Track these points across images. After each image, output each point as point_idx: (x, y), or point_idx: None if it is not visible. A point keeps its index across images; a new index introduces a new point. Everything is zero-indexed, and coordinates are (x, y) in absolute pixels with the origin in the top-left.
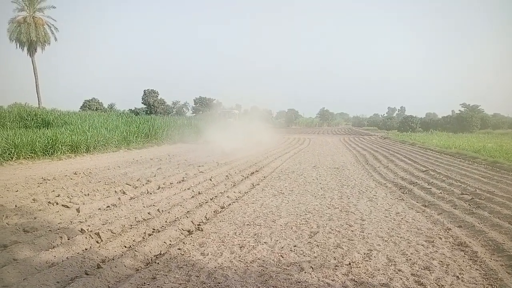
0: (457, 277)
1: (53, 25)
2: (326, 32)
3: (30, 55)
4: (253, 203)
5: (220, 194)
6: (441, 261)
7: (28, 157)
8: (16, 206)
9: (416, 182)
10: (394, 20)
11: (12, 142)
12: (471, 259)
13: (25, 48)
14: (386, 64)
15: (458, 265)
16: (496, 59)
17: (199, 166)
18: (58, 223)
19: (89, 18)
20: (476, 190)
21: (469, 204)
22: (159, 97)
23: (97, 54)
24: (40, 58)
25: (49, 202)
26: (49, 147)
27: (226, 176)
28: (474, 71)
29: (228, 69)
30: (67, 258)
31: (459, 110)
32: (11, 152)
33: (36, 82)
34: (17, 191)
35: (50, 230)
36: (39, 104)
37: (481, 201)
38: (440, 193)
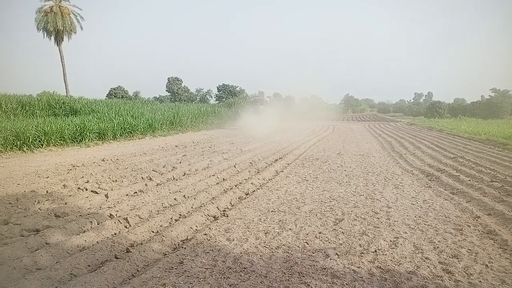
0: (486, 265)
1: (79, 14)
2: (351, 18)
3: (57, 44)
4: (277, 190)
5: (245, 181)
6: (470, 250)
7: (57, 144)
8: (47, 192)
9: (444, 169)
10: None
11: (42, 129)
12: (500, 248)
13: (52, 38)
14: (412, 49)
15: (487, 253)
16: None
17: (223, 153)
18: (88, 209)
19: (114, 6)
20: (506, 178)
21: (499, 192)
22: (182, 85)
23: (122, 43)
24: (66, 47)
25: (79, 188)
26: (77, 134)
27: (250, 163)
28: (504, 55)
29: (251, 58)
30: (97, 242)
31: (489, 95)
32: (41, 140)
33: (63, 71)
34: (47, 177)
35: (80, 215)
36: (66, 93)
37: (511, 189)
38: (469, 180)
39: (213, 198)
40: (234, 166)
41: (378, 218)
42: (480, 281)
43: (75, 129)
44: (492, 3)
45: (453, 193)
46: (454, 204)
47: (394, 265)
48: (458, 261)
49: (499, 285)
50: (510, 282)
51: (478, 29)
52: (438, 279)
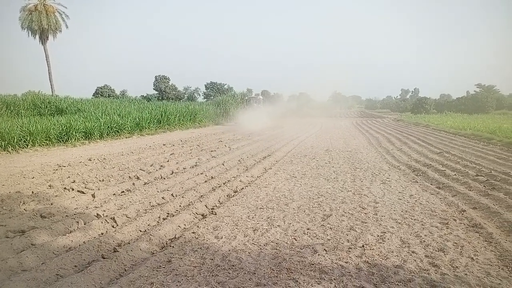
0: (472, 258)
1: (64, 12)
2: (336, 15)
3: (42, 43)
4: (265, 187)
5: (233, 179)
6: (456, 243)
7: (43, 144)
8: (32, 192)
9: (430, 164)
10: (408, 2)
11: (27, 129)
12: (486, 241)
13: (37, 36)
14: (398, 45)
15: (473, 246)
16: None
17: (211, 151)
18: (74, 209)
19: (100, 4)
20: (491, 172)
21: (484, 186)
22: (170, 83)
23: (108, 41)
24: (52, 46)
25: (65, 188)
26: (63, 134)
27: (239, 160)
28: (489, 51)
29: (239, 55)
30: (84, 242)
31: (474, 91)
32: (26, 140)
33: (48, 70)
34: (33, 177)
35: (66, 216)
36: (52, 92)
37: (496, 183)
38: (455, 175)
39: (201, 196)
40: (223, 164)
41: (365, 214)
42: (465, 274)
43: (61, 128)
44: (477, 0)
45: (439, 188)
46: (440, 198)
47: (381, 259)
48: (444, 254)
49: (484, 277)
50: (495, 274)
51: (464, 26)
52: (425, 273)
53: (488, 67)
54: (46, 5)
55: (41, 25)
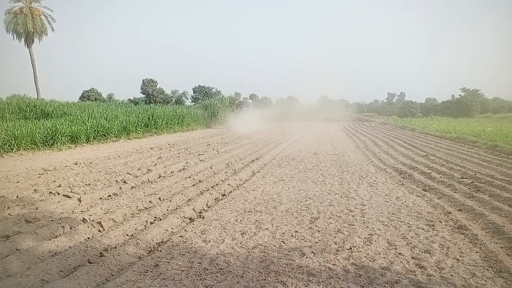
0: (457, 259)
1: (49, 15)
2: (321, 18)
3: (27, 46)
4: (254, 190)
5: (221, 182)
6: (442, 244)
7: (28, 148)
8: (17, 197)
9: (416, 167)
10: (392, 4)
11: (12, 133)
12: (471, 242)
13: (22, 39)
14: (385, 49)
15: (459, 248)
16: (496, 43)
17: (199, 154)
18: (60, 213)
19: (86, 7)
20: (476, 174)
21: (469, 188)
22: (158, 87)
23: (95, 44)
24: (37, 49)
25: (51, 193)
26: (49, 138)
27: (227, 164)
28: (474, 55)
29: (226, 59)
30: (69, 247)
31: (459, 95)
32: (11, 144)
33: (34, 73)
34: (18, 182)
35: (52, 220)
36: (37, 95)
37: (481, 185)
38: (440, 177)
39: (189, 200)
40: (211, 168)
41: (353, 216)
42: (451, 275)
43: (46, 132)
44: (462, 3)
45: (425, 190)
46: (426, 200)
47: (368, 261)
48: (430, 256)
49: (469, 278)
50: (480, 275)
51: (449, 31)
52: (411, 274)
53: (473, 71)
54: (32, 8)
55: (26, 28)
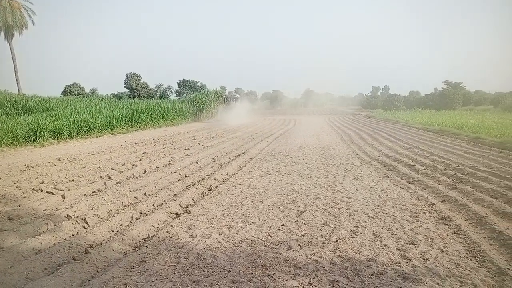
0: (441, 250)
1: (30, 8)
2: (301, 11)
3: (7, 40)
4: (240, 184)
5: (207, 177)
6: (426, 235)
7: (9, 145)
8: None
9: (400, 159)
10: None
11: None
12: (454, 233)
13: (2, 33)
14: (369, 41)
15: (442, 238)
16: (478, 36)
17: (185, 149)
18: (44, 210)
19: (68, 0)
20: (459, 166)
21: (452, 180)
22: (141, 81)
23: (77, 38)
24: (18, 43)
25: (33, 189)
26: (31, 134)
27: (213, 158)
28: (456, 48)
29: (211, 52)
30: (54, 244)
31: (442, 88)
32: None
33: (14, 68)
34: (0, 179)
35: (35, 217)
36: (18, 90)
37: (464, 176)
38: (424, 169)
39: (175, 195)
40: (197, 162)
41: (338, 209)
42: (436, 265)
43: (28, 128)
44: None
45: (409, 182)
46: (410, 192)
47: (354, 253)
48: (415, 247)
49: (453, 268)
50: (464, 265)
51: (431, 24)
52: (396, 265)
53: (455, 65)
54: (11, 1)
55: (6, 22)
